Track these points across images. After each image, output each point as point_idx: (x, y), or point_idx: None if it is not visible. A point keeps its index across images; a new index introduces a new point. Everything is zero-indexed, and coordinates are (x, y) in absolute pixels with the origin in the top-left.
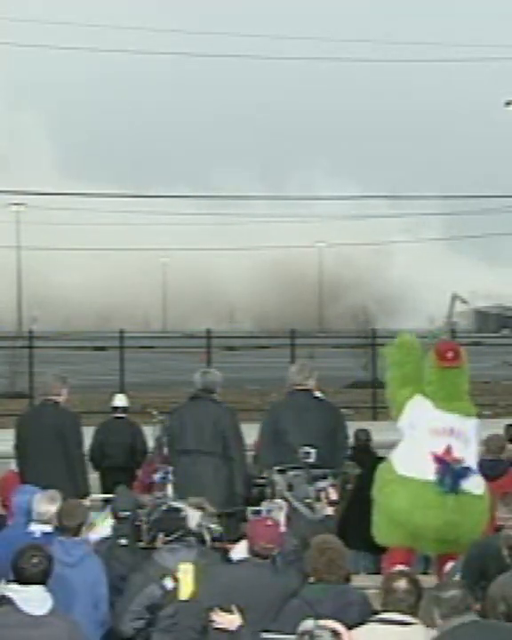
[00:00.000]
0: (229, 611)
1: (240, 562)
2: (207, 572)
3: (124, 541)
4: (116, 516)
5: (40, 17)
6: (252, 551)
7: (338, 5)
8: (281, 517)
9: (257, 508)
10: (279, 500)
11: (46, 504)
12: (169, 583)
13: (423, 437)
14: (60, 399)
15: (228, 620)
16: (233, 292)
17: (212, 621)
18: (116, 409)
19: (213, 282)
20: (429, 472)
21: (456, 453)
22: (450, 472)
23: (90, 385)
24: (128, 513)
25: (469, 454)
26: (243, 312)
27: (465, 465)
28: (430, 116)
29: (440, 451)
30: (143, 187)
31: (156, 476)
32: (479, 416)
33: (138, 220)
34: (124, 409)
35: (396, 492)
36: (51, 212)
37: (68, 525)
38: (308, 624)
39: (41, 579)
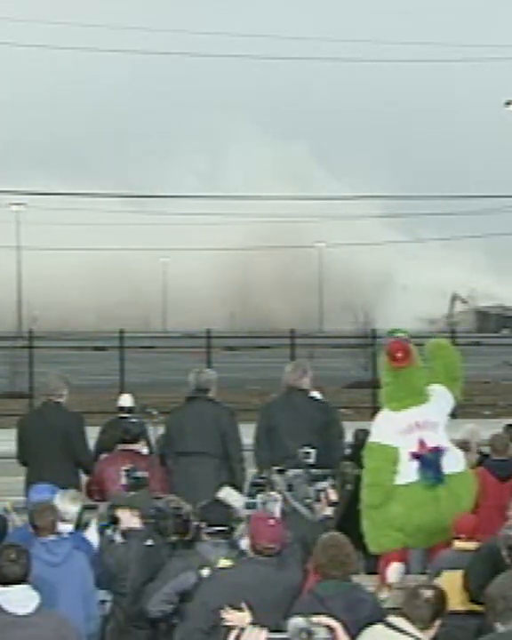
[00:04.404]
0: (240, 609)
1: (243, 561)
2: (212, 572)
3: (150, 542)
4: (143, 518)
5: (40, 17)
6: (254, 549)
7: (338, 5)
8: (276, 510)
9: (252, 501)
10: (274, 493)
11: (69, 504)
12: (206, 574)
13: (396, 443)
14: (62, 399)
15: (239, 618)
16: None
17: (223, 620)
18: (122, 409)
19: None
20: (412, 472)
21: (430, 443)
22: (429, 464)
23: (90, 385)
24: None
25: (441, 437)
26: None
27: (440, 450)
28: (430, 116)
29: (415, 447)
30: (142, 186)
31: (124, 479)
32: (479, 416)
33: (137, 219)
34: (129, 409)
35: (388, 503)
36: (51, 212)
37: (42, 525)
38: (300, 621)
39: (21, 577)
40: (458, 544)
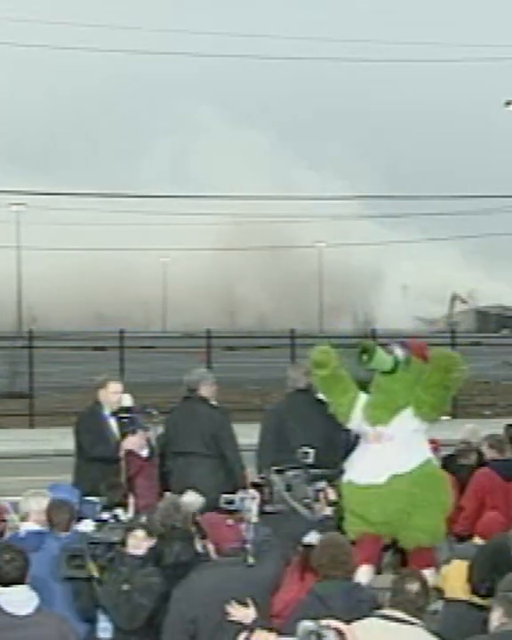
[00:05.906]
0: (245, 605)
1: (209, 565)
2: (183, 582)
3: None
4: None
5: (40, 17)
6: (217, 552)
7: (338, 5)
8: (253, 507)
9: (230, 498)
10: (252, 491)
11: (31, 501)
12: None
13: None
14: (100, 398)
15: (244, 614)
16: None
17: (228, 614)
18: (121, 409)
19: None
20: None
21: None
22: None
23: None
24: None
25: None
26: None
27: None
28: (430, 116)
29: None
30: (143, 186)
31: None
32: (479, 416)
33: (137, 219)
34: (128, 409)
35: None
36: (51, 211)
37: (57, 521)
38: (310, 625)
39: (19, 577)
40: (477, 540)
